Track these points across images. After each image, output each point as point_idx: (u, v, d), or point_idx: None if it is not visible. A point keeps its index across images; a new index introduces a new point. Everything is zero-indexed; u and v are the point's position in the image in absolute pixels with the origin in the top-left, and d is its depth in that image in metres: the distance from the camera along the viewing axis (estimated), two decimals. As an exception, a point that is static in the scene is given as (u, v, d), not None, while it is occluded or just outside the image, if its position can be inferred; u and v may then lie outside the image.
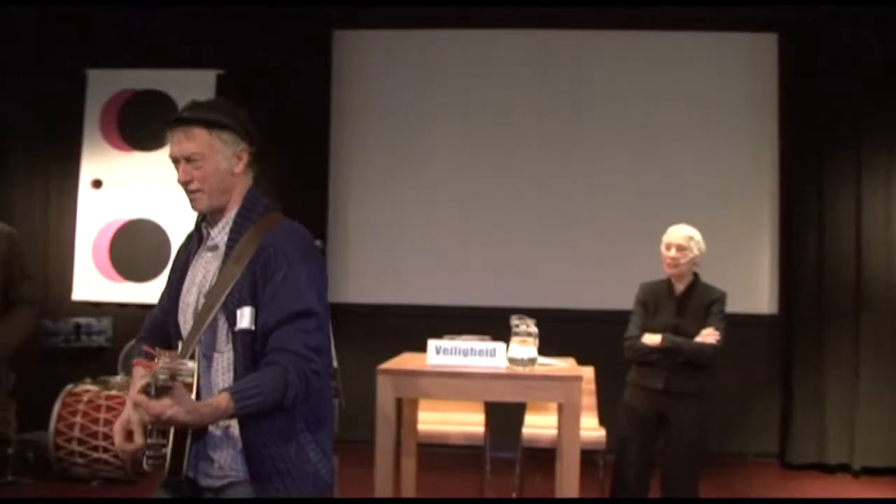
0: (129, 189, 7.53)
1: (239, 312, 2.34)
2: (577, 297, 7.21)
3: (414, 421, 4.69)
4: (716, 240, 7.42)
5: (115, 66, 7.68)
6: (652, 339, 4.38)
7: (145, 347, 2.38)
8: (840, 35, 7.20)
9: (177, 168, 2.43)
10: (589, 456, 4.69)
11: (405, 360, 4.19)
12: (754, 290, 7.60)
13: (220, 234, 2.46)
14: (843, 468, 7.06)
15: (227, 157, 2.44)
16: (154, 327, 2.61)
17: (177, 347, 2.36)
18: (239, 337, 2.34)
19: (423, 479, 4.81)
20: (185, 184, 2.43)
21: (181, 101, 7.54)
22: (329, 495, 2.43)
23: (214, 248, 2.47)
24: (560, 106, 7.72)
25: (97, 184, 7.61)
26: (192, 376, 2.26)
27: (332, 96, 7.77)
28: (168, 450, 2.26)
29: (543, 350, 4.18)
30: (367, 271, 7.79)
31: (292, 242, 2.41)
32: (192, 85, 7.56)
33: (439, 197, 7.75)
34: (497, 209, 7.69)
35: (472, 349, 3.94)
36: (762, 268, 7.62)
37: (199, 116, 2.43)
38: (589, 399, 5.01)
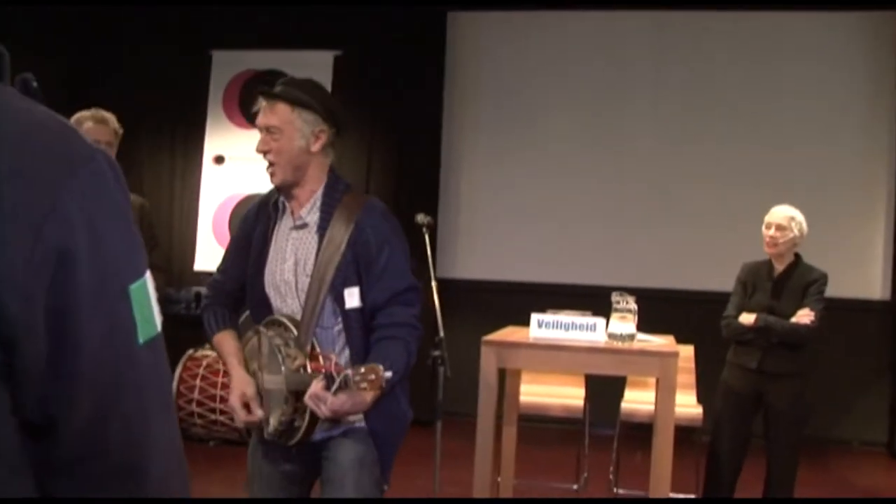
0: (249, 165, 7.88)
1: (347, 292, 2.56)
2: (678, 278, 7.22)
3: (516, 392, 4.84)
4: (827, 223, 7.36)
5: (238, 47, 8.04)
6: (747, 318, 4.42)
7: (323, 352, 2.57)
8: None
9: (262, 147, 2.60)
10: (686, 434, 4.76)
11: (509, 333, 4.34)
12: (866, 275, 7.47)
13: (309, 214, 2.62)
14: (954, 458, 6.93)
15: (304, 134, 2.56)
16: (220, 293, 2.80)
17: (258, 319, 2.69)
18: (351, 315, 2.57)
19: (523, 451, 4.96)
20: (262, 153, 2.59)
21: (299, 81, 7.84)
22: (408, 429, 2.72)
23: (304, 226, 2.63)
24: (673, 89, 7.72)
25: (219, 160, 8.00)
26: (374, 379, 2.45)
27: (445, 77, 7.95)
28: (304, 423, 2.53)
29: (644, 328, 4.27)
30: (475, 249, 7.97)
31: (385, 222, 2.63)
32: (309, 65, 7.83)
33: (546, 179, 7.85)
34: (602, 192, 7.76)
35: (573, 323, 4.06)
36: (875, 252, 7.48)
37: (284, 93, 2.56)
38: (687, 377, 5.07)
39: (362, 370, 2.37)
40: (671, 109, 7.72)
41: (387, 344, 2.53)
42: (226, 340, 2.71)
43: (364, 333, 2.59)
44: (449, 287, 7.24)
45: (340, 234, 2.56)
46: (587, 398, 5.08)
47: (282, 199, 2.66)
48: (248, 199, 7.83)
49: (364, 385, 2.37)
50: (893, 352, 7.30)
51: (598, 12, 7.78)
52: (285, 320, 2.59)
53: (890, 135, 7.42)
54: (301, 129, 2.56)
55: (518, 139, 7.92)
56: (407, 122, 7.84)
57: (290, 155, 2.56)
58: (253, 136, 2.75)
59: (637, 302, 4.18)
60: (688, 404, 4.92)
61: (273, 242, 2.66)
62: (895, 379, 7.25)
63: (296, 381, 2.50)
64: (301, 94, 2.56)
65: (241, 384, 2.61)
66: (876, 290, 7.46)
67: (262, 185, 3.03)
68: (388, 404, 2.58)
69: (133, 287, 0.82)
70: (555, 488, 5.32)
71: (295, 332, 2.56)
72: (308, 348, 2.55)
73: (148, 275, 0.85)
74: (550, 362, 4.19)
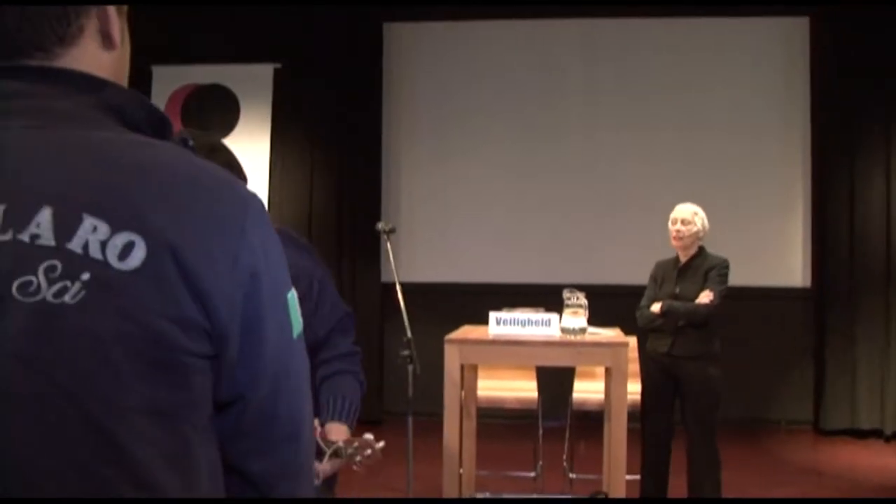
0: None
1: None
2: (623, 273, 7.54)
3: (474, 387, 5.12)
4: (752, 217, 7.84)
5: (178, 62, 8.14)
6: (655, 306, 4.80)
7: None
8: (871, 13, 7.46)
9: None
10: (636, 416, 5.09)
11: (469, 331, 4.62)
12: (789, 264, 7.94)
13: None
14: (875, 433, 7.41)
15: None
16: None
17: None
18: None
19: (481, 445, 5.24)
20: None
21: (241, 94, 8.02)
22: None
23: None
24: (603, 91, 8.08)
25: None
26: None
27: (383, 87, 8.18)
28: None
29: (593, 322, 4.60)
30: (421, 253, 8.21)
31: (304, 253, 2.53)
32: (250, 78, 8.05)
33: (490, 182, 8.14)
34: (546, 193, 8.06)
35: (528, 320, 4.36)
36: (796, 243, 7.95)
37: None
38: (634, 366, 5.40)
39: (356, 444, 2.34)
40: (602, 110, 8.07)
41: (339, 379, 2.50)
42: None
43: (312, 371, 2.55)
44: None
45: None
46: (539, 391, 5.38)
47: None
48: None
49: (358, 459, 2.34)
50: (815, 336, 7.78)
51: (528, 21, 8.11)
52: None
53: (806, 132, 7.91)
54: None
55: (457, 144, 8.20)
56: (347, 130, 8.05)
57: None
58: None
59: (587, 298, 4.51)
60: (633, 392, 5.25)
61: None
62: (818, 361, 7.73)
63: None
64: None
65: None
66: (797, 278, 7.94)
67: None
68: None
69: (289, 295, 1.07)
70: (514, 477, 5.62)
71: None
72: None
73: (293, 289, 1.09)
74: (510, 357, 4.49)
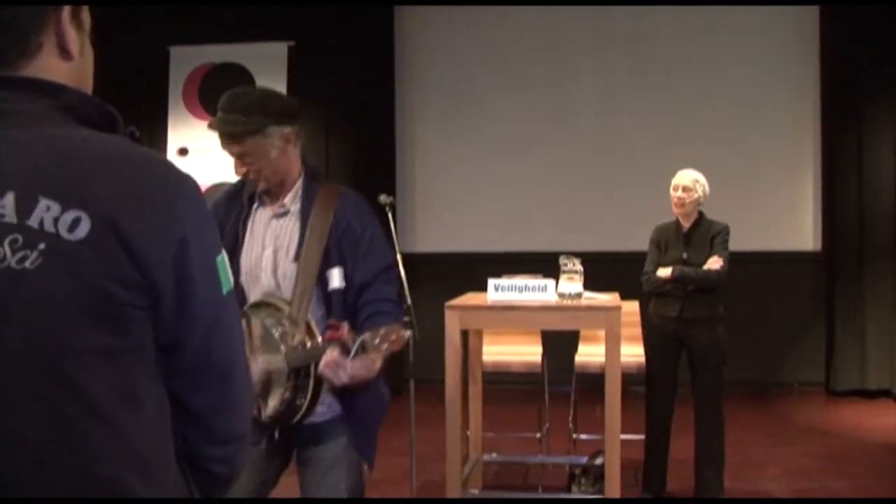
0: (212, 155, 8.18)
1: (328, 274, 2.68)
2: (625, 240, 7.65)
3: (479, 353, 5.29)
4: (763, 183, 7.93)
5: (195, 42, 8.34)
6: (664, 271, 4.90)
7: (330, 320, 2.62)
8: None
9: (238, 162, 2.68)
10: (638, 378, 5.24)
11: (469, 298, 4.77)
12: (799, 228, 8.04)
13: (292, 203, 2.75)
14: (884, 393, 7.53)
15: (275, 145, 2.65)
16: None
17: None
18: (333, 297, 2.69)
19: (488, 410, 5.42)
20: (242, 175, 2.71)
21: (256, 72, 8.20)
22: (387, 409, 2.86)
23: (285, 214, 2.75)
24: (616, 71, 8.20)
25: (183, 152, 8.32)
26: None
27: (395, 66, 8.35)
28: (306, 401, 2.60)
29: (594, 287, 4.75)
30: (431, 224, 8.41)
31: (364, 209, 2.79)
32: (265, 57, 8.23)
33: (494, 157, 8.33)
34: (552, 168, 8.25)
35: (525, 286, 4.50)
36: (806, 208, 8.04)
37: (243, 129, 2.60)
38: (635, 329, 5.55)
39: (382, 331, 2.52)
40: (613, 88, 8.19)
41: (381, 318, 2.63)
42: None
43: (346, 312, 2.68)
44: (409, 261, 7.67)
45: (322, 221, 2.69)
46: (544, 355, 5.54)
47: (258, 190, 2.75)
48: (214, 189, 8.17)
49: (384, 346, 2.51)
50: (825, 299, 7.88)
51: (540, 5, 8.21)
52: (275, 301, 2.67)
53: (816, 99, 7.96)
54: (270, 143, 2.64)
55: (466, 119, 8.36)
56: (361, 107, 8.23)
57: (269, 168, 2.68)
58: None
59: (584, 264, 4.64)
60: (636, 354, 5.40)
61: (249, 232, 2.77)
62: (829, 324, 7.83)
63: (298, 357, 2.56)
64: (256, 120, 2.61)
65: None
66: (808, 241, 8.03)
67: (227, 174, 3.35)
68: (368, 387, 2.68)
69: (218, 259, 1.28)
70: (520, 438, 5.81)
71: (286, 310, 2.63)
72: (304, 326, 2.62)
73: (223, 252, 1.30)
74: (507, 321, 4.66)
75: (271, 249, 2.74)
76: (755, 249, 7.47)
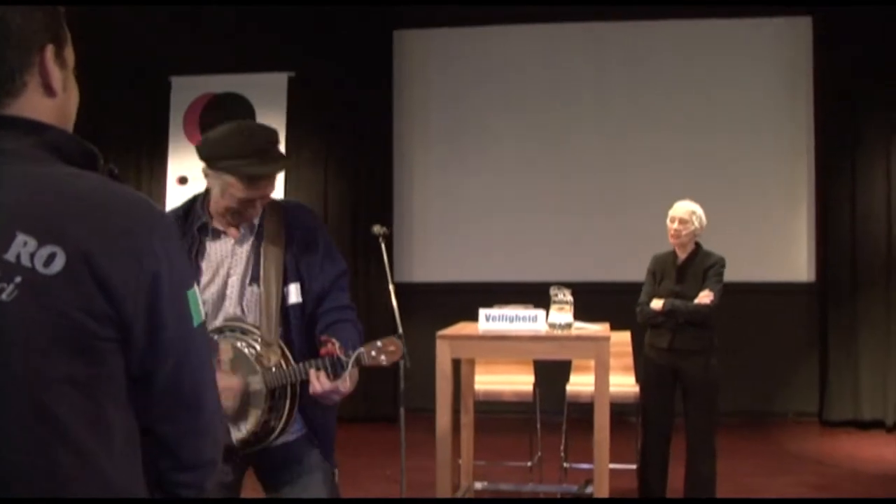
0: None
1: (286, 290, 2.71)
2: (617, 271, 7.71)
3: (471, 382, 5.34)
4: (757, 214, 8.00)
5: (195, 72, 8.45)
6: (657, 303, 4.96)
7: (323, 337, 2.66)
8: (872, 15, 7.60)
9: (250, 201, 2.66)
10: (630, 409, 5.29)
11: (460, 328, 4.83)
12: (793, 260, 8.09)
13: (246, 230, 2.75)
14: (878, 424, 7.55)
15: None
16: None
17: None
18: (291, 311, 2.72)
19: (480, 438, 5.47)
20: (248, 211, 2.70)
21: (256, 102, 8.31)
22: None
23: (244, 240, 2.75)
24: (613, 94, 8.28)
25: (183, 180, 8.41)
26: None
27: (394, 93, 8.43)
28: (281, 422, 2.65)
29: (586, 318, 4.81)
30: (429, 254, 8.46)
31: (310, 215, 2.87)
32: (265, 87, 8.35)
33: (499, 185, 8.38)
34: (553, 195, 8.28)
35: (516, 316, 4.57)
36: (800, 239, 8.09)
37: (280, 168, 2.77)
38: (626, 360, 5.61)
39: (379, 344, 2.64)
40: (610, 112, 8.27)
41: (342, 326, 2.68)
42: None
43: (306, 326, 2.73)
44: (406, 291, 7.73)
45: (275, 239, 2.72)
46: (536, 384, 5.59)
47: (209, 221, 2.74)
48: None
49: (383, 358, 2.64)
50: (819, 330, 7.92)
51: (536, 25, 8.32)
52: (241, 324, 2.71)
53: (809, 130, 8.04)
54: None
55: (467, 148, 8.43)
56: (359, 136, 8.31)
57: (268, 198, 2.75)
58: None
59: (577, 294, 4.71)
60: (627, 384, 5.45)
61: (206, 261, 2.74)
62: (823, 354, 7.87)
63: (276, 378, 2.63)
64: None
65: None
66: (802, 273, 8.08)
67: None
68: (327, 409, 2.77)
69: (189, 292, 1.34)
70: (511, 467, 5.84)
71: (255, 333, 2.67)
72: (277, 348, 2.67)
73: (195, 285, 1.36)
74: (498, 351, 4.72)
75: (236, 277, 2.75)
76: (750, 280, 7.52)
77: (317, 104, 8.29)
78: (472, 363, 5.30)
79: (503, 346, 4.57)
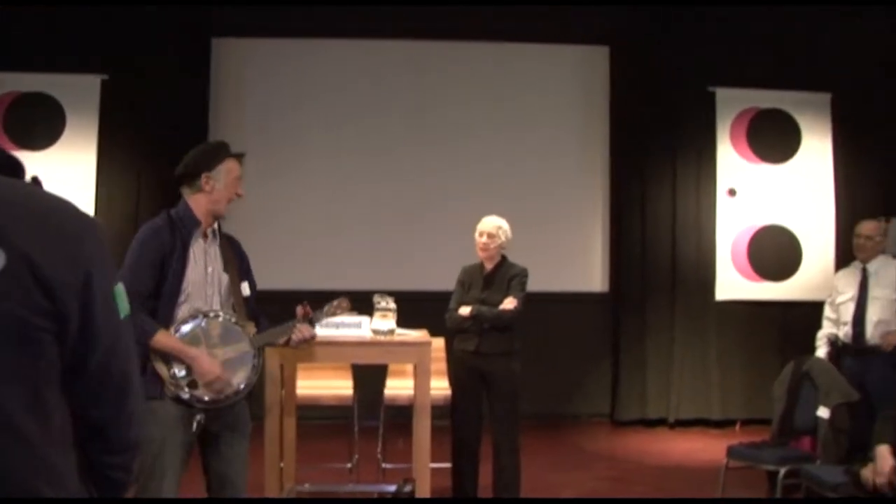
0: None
1: (242, 286, 3.69)
2: (432, 279, 8.02)
3: (293, 387, 5.49)
4: (555, 229, 8.54)
5: (2, 69, 8.09)
6: (464, 310, 5.33)
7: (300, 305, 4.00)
8: (661, 49, 8.41)
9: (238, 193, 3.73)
10: (443, 411, 5.59)
11: (287, 334, 4.99)
12: (589, 272, 8.72)
13: (211, 233, 3.67)
14: (662, 422, 8.29)
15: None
16: (138, 303, 3.32)
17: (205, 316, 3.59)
18: (246, 302, 3.69)
19: (302, 442, 5.62)
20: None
21: (66, 104, 8.08)
22: None
23: (213, 241, 3.65)
24: (425, 113, 8.64)
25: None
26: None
27: (210, 100, 8.40)
28: (257, 376, 3.68)
29: (404, 325, 5.08)
30: (252, 263, 8.41)
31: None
32: (76, 89, 8.11)
33: (312, 195, 8.53)
34: (364, 204, 8.52)
35: (342, 322, 4.78)
36: (595, 253, 8.74)
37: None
38: (440, 364, 5.93)
39: (335, 303, 4.08)
40: (427, 132, 8.63)
41: (266, 322, 3.84)
42: (166, 336, 3.43)
43: (248, 315, 3.68)
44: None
45: (227, 244, 3.71)
46: (355, 388, 5.82)
47: (185, 226, 3.58)
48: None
49: (338, 312, 4.10)
50: (612, 337, 8.60)
51: (355, 40, 8.55)
52: (222, 311, 3.58)
53: (604, 152, 8.70)
54: None
55: (283, 159, 8.49)
56: (174, 143, 8.13)
57: None
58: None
59: (396, 302, 4.98)
60: (441, 387, 5.77)
61: (192, 258, 3.53)
62: (614, 360, 8.54)
63: (261, 339, 3.69)
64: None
65: (211, 363, 3.46)
66: (597, 283, 8.73)
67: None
68: None
69: (116, 288, 1.52)
70: (331, 468, 6.04)
71: (231, 314, 3.60)
72: (249, 323, 3.66)
73: (120, 283, 1.54)
74: (325, 356, 4.92)
75: (213, 269, 3.61)
76: (550, 290, 8.05)
77: (131, 108, 8.14)
78: (294, 370, 5.45)
79: (330, 352, 4.78)
